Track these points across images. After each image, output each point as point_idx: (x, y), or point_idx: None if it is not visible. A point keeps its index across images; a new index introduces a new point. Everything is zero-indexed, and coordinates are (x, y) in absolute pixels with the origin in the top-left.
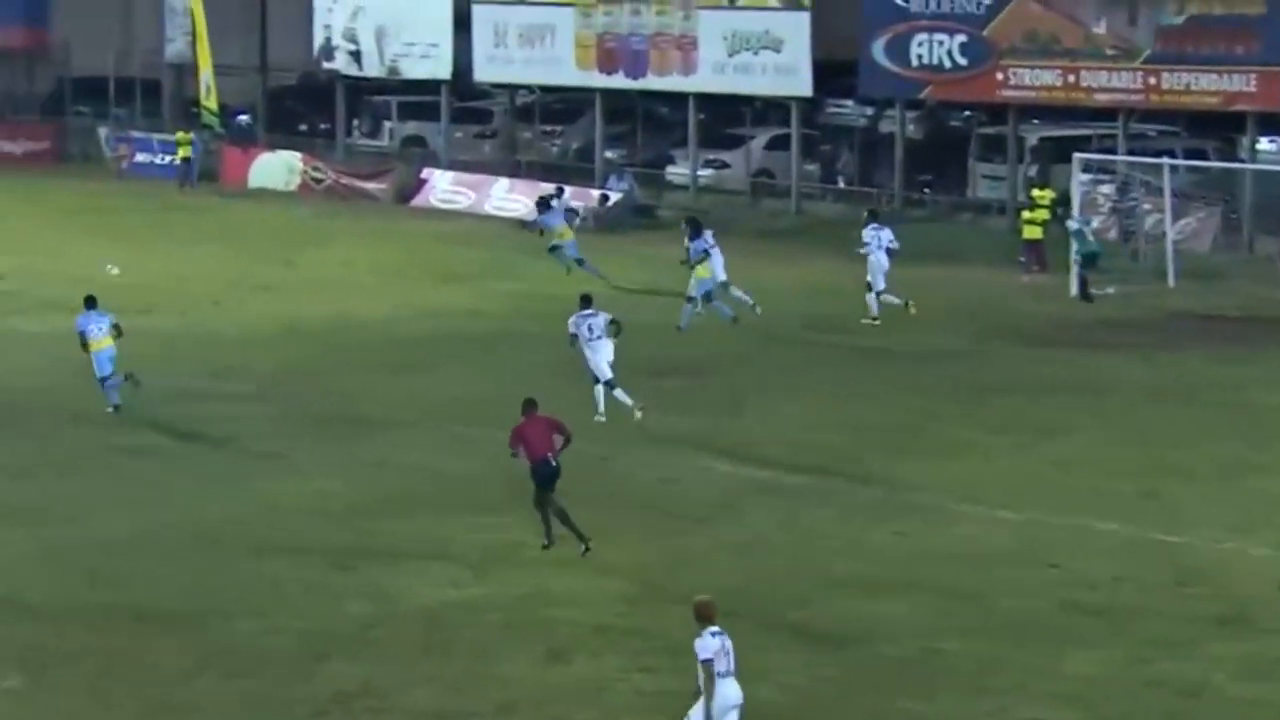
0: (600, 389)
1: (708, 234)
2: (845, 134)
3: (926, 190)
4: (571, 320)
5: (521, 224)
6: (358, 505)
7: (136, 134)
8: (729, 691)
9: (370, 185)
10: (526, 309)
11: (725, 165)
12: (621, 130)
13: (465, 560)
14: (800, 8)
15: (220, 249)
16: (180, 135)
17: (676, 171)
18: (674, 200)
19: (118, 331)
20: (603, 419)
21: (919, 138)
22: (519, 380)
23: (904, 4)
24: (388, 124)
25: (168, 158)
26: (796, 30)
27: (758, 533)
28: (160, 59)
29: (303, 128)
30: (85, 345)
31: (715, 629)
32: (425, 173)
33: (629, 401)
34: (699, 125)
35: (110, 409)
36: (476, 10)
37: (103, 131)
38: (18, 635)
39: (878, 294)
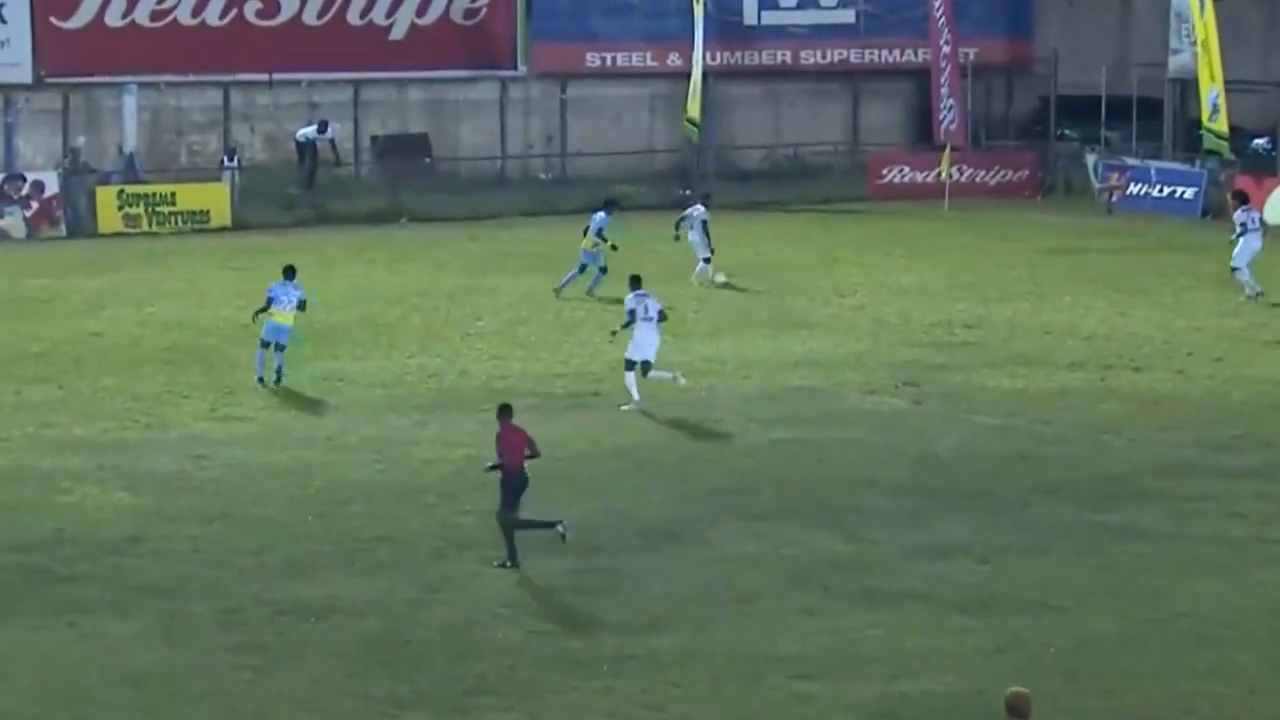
0: (632, 375)
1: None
2: None
3: None
4: (630, 298)
5: None
6: None
7: (1130, 162)
8: None
9: None
10: None
11: None
12: None
13: None
14: None
15: (1217, 296)
16: None
17: None
18: None
19: (302, 308)
20: (634, 405)
21: None
22: None
23: None
24: None
25: (1166, 189)
26: None
27: None
28: (1162, 74)
29: None
30: (266, 310)
31: None
32: None
33: (668, 375)
34: None
35: (258, 381)
36: None
37: (1090, 159)
38: None
39: None
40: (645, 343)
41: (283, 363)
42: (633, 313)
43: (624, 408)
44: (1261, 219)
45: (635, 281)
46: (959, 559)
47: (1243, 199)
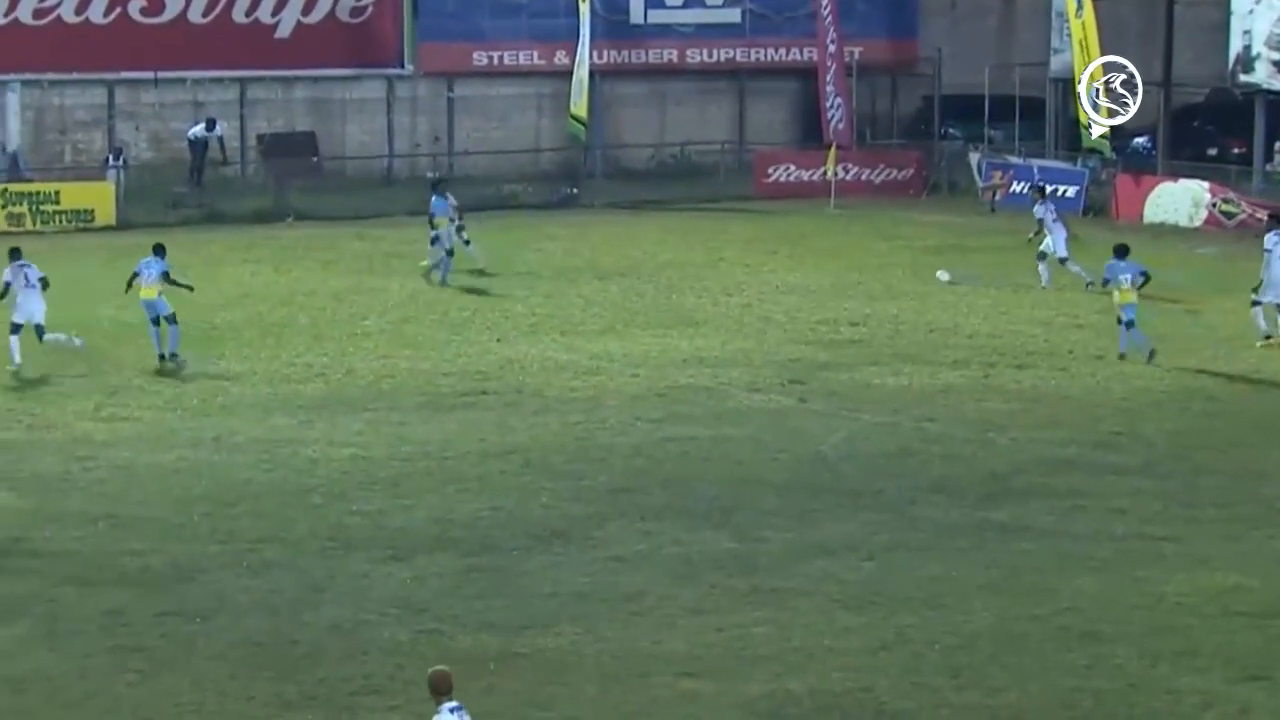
0: (15, 339)
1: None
2: None
3: None
4: (7, 270)
5: None
6: (1271, 605)
7: (1014, 160)
8: None
9: None
10: None
11: None
12: None
13: None
14: None
15: (1098, 294)
16: None
17: None
18: None
19: (165, 281)
20: (15, 367)
21: None
22: None
23: None
24: None
25: (1049, 188)
26: None
27: None
28: (1044, 74)
29: (1211, 152)
30: (130, 286)
31: (453, 704)
32: None
33: (63, 338)
34: None
35: (159, 358)
36: None
37: (974, 157)
38: None
39: None
40: (28, 308)
41: (176, 339)
42: (8, 285)
43: (9, 368)
44: (1056, 209)
45: (14, 253)
46: (845, 556)
47: (1042, 192)
